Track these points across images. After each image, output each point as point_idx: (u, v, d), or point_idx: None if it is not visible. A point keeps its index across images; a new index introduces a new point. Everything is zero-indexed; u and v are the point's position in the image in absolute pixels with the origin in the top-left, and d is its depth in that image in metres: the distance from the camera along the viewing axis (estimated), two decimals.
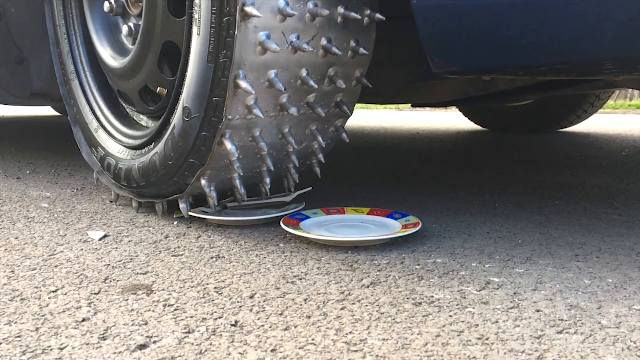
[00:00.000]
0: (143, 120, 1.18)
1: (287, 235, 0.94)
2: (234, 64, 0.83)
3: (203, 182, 0.93)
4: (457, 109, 3.62)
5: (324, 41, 0.91)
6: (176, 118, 0.94)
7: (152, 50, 1.02)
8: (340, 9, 0.91)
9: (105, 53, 1.17)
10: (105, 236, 0.95)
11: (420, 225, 0.92)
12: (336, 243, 0.89)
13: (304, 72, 0.91)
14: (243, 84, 0.84)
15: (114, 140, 1.15)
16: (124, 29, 1.12)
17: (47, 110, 4.26)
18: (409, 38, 1.07)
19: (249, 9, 0.80)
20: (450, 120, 3.84)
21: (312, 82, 0.90)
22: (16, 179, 1.50)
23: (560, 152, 2.12)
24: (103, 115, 1.20)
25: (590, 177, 1.55)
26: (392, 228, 0.94)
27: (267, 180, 0.98)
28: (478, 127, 3.05)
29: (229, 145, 0.88)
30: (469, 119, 2.99)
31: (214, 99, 0.87)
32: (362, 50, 0.96)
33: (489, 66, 0.82)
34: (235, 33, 0.81)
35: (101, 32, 1.19)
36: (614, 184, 1.45)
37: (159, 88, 1.05)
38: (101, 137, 1.18)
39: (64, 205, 1.19)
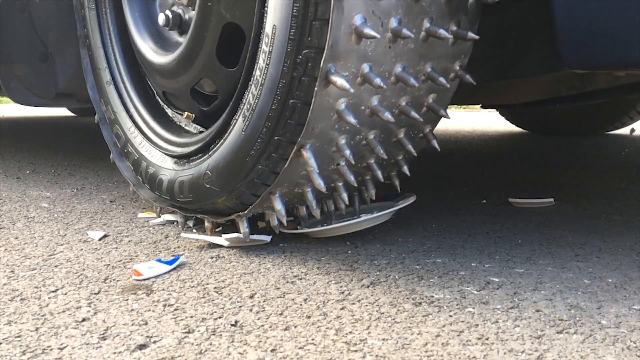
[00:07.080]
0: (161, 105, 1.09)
1: (287, 235, 0.94)
2: (275, 184, 0.78)
3: (207, 224, 0.92)
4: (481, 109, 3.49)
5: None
6: (196, 168, 0.89)
7: (187, 75, 0.94)
8: None
9: (145, 46, 1.03)
10: (105, 236, 0.95)
11: (414, 198, 0.93)
12: (334, 231, 0.90)
13: (341, 186, 0.86)
14: (278, 205, 0.80)
15: (128, 117, 1.05)
16: (161, 17, 0.98)
17: (47, 111, 4.25)
18: (484, 29, 0.98)
19: (305, 153, 0.74)
20: (450, 120, 3.84)
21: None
22: (16, 179, 1.50)
23: (560, 152, 2.12)
24: (123, 83, 1.08)
25: (590, 177, 1.55)
26: (389, 207, 0.94)
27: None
28: (478, 127, 3.05)
29: (243, 227, 0.86)
30: (509, 120, 2.79)
31: (240, 187, 0.82)
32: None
33: None
34: (285, 166, 0.76)
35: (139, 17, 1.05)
36: (614, 184, 1.45)
37: (186, 113, 0.99)
38: (112, 95, 1.07)
39: (64, 205, 1.19)
